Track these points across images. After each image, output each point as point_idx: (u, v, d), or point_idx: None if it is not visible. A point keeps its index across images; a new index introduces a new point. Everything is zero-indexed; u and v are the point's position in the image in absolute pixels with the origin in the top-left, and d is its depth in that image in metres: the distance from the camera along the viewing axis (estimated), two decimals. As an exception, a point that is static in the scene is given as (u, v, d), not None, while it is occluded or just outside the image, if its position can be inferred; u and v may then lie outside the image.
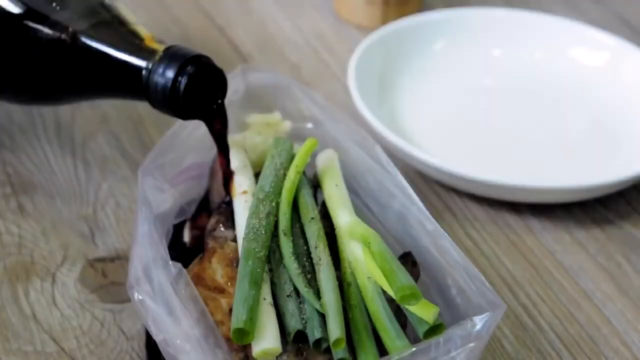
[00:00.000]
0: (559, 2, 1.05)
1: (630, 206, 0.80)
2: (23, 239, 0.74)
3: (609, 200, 0.80)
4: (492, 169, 0.81)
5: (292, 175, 0.66)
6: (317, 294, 0.59)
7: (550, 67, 0.93)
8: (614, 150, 0.85)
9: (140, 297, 0.58)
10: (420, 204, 0.65)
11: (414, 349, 0.55)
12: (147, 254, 0.60)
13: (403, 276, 0.57)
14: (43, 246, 0.73)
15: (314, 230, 0.63)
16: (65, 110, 0.85)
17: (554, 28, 0.94)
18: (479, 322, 0.57)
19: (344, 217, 0.63)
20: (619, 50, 0.91)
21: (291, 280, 0.60)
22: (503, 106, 0.89)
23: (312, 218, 0.64)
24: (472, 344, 0.56)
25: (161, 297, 0.58)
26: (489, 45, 0.94)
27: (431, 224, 0.63)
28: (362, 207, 0.68)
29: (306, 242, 0.63)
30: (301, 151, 0.67)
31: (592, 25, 0.95)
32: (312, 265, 0.62)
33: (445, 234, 0.63)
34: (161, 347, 0.57)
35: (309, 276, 0.61)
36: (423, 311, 0.57)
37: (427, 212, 0.64)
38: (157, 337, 0.57)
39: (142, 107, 0.87)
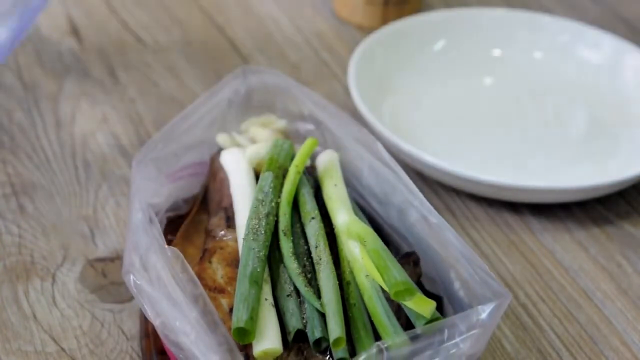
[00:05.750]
0: (559, 2, 1.05)
1: (630, 206, 0.80)
2: (23, 239, 0.73)
3: (609, 200, 0.80)
4: (492, 169, 0.81)
5: (292, 175, 0.66)
6: (318, 294, 0.59)
7: (550, 67, 0.93)
8: (614, 150, 0.85)
9: (136, 281, 0.58)
10: (423, 198, 0.64)
11: (419, 331, 0.55)
12: (142, 240, 0.60)
13: (397, 272, 0.57)
14: (43, 246, 0.73)
15: (314, 230, 0.63)
16: (65, 110, 0.85)
17: (554, 28, 0.94)
18: (484, 310, 0.56)
19: (342, 216, 0.63)
20: (619, 50, 0.91)
21: (291, 279, 0.60)
22: (503, 106, 0.89)
23: (313, 218, 0.64)
24: (476, 331, 0.56)
25: (157, 281, 0.58)
26: (489, 45, 0.94)
27: (435, 217, 0.63)
28: (364, 204, 0.68)
29: (306, 242, 0.63)
30: (301, 151, 0.67)
31: (592, 25, 0.95)
32: (312, 264, 0.62)
33: (449, 226, 0.62)
34: (159, 330, 0.57)
35: (309, 276, 0.61)
36: (420, 306, 0.57)
37: (429, 206, 0.64)
38: (155, 320, 0.57)
39: (142, 107, 0.86)
